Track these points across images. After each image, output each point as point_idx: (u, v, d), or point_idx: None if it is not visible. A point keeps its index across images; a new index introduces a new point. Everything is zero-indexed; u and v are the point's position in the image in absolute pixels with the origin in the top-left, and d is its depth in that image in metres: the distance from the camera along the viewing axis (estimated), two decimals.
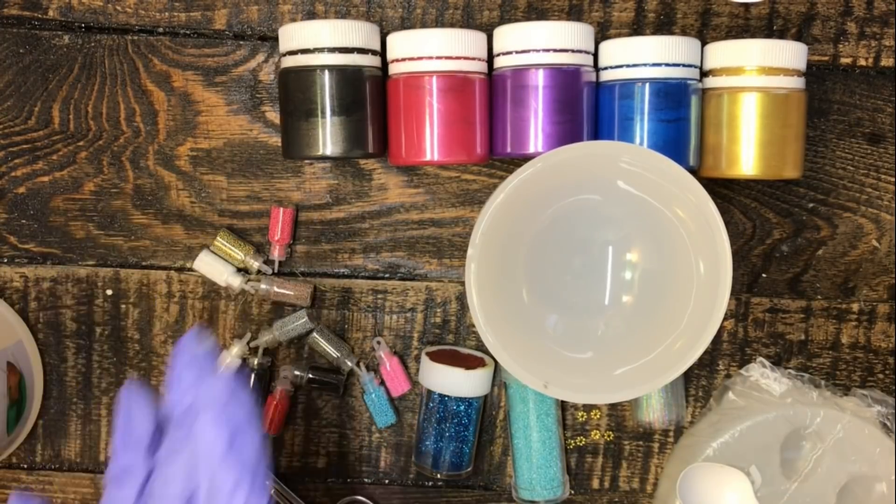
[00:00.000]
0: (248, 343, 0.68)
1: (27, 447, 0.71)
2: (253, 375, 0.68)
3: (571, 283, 0.64)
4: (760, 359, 0.68)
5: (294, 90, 0.60)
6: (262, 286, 0.67)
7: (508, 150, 0.61)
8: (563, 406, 0.70)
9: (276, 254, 0.67)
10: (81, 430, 0.71)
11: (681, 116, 0.60)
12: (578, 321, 0.64)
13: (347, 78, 0.59)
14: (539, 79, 0.59)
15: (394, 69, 0.61)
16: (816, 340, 0.69)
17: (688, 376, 0.70)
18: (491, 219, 0.58)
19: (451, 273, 0.69)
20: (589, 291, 0.64)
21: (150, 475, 0.48)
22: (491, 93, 0.61)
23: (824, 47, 0.66)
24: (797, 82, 0.61)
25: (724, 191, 0.68)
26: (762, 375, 0.67)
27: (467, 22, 0.65)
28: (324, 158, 0.63)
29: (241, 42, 0.66)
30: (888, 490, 0.64)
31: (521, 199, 0.59)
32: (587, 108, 0.61)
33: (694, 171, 0.61)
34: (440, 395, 0.66)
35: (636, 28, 0.66)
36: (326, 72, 0.59)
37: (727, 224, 0.59)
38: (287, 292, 0.68)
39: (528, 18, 0.65)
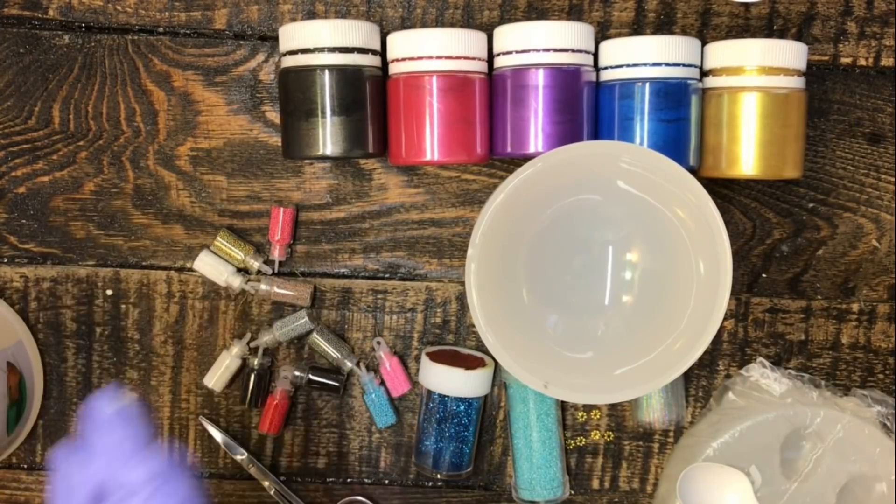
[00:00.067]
0: (248, 343, 0.68)
1: (27, 447, 0.71)
2: (253, 375, 0.68)
3: (571, 283, 0.64)
4: (760, 359, 0.68)
5: (294, 90, 0.60)
6: (262, 286, 0.67)
7: (508, 150, 0.61)
8: (563, 406, 0.70)
9: (276, 254, 0.67)
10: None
11: (681, 116, 0.60)
12: (578, 321, 0.64)
13: (347, 78, 0.59)
14: (539, 79, 0.59)
15: (394, 69, 0.61)
16: (816, 340, 0.69)
17: (688, 376, 0.70)
18: (491, 219, 0.58)
19: (451, 273, 0.69)
20: (589, 291, 0.64)
21: None
22: (491, 93, 0.61)
23: (824, 47, 0.66)
24: (797, 82, 0.61)
25: (724, 191, 0.68)
26: (762, 375, 0.67)
27: (467, 22, 0.65)
28: (324, 158, 0.63)
29: (241, 42, 0.66)
30: (888, 490, 0.64)
31: (521, 199, 0.59)
32: (587, 108, 0.61)
33: (694, 171, 0.61)
34: (440, 395, 0.66)
35: (636, 28, 0.66)
36: (326, 72, 0.59)
37: (727, 224, 0.59)
38: (287, 292, 0.67)
39: (528, 18, 0.65)
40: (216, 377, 0.68)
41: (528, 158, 0.58)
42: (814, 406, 0.64)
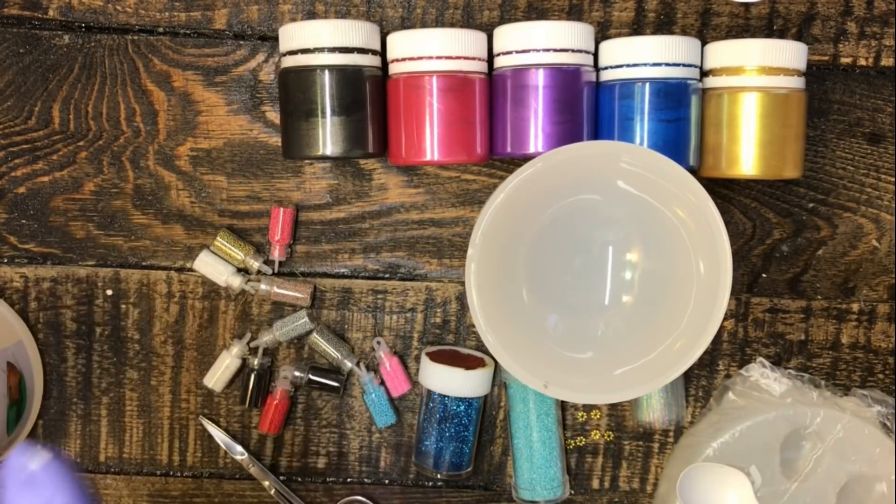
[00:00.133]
0: (248, 343, 0.68)
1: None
2: (253, 375, 0.68)
3: (571, 283, 0.64)
4: (760, 359, 0.68)
5: (294, 90, 0.60)
6: (262, 286, 0.67)
7: (508, 150, 0.61)
8: (563, 406, 0.70)
9: (276, 254, 0.67)
10: (81, 430, 0.71)
11: (681, 116, 0.60)
12: (578, 321, 0.64)
13: (347, 78, 0.59)
14: (539, 79, 0.59)
15: (394, 69, 0.61)
16: (816, 340, 0.69)
17: (688, 376, 0.70)
18: (491, 219, 0.58)
19: (451, 273, 0.69)
20: (589, 291, 0.64)
21: None
22: (491, 93, 0.61)
23: (824, 47, 0.66)
24: (797, 82, 0.61)
25: (724, 191, 0.68)
26: (762, 375, 0.67)
27: (467, 22, 0.65)
28: (324, 158, 0.63)
29: (241, 42, 0.66)
30: (888, 490, 0.64)
31: (521, 199, 0.59)
32: (587, 108, 0.61)
33: (694, 171, 0.61)
34: (440, 395, 0.66)
35: (636, 28, 0.66)
36: (326, 72, 0.59)
37: (727, 224, 0.59)
38: (287, 292, 0.67)
39: (528, 18, 0.65)
40: (216, 377, 0.68)
41: (528, 158, 0.58)
42: (814, 406, 0.64)
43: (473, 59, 0.60)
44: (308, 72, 0.59)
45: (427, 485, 0.71)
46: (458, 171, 0.67)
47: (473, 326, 0.67)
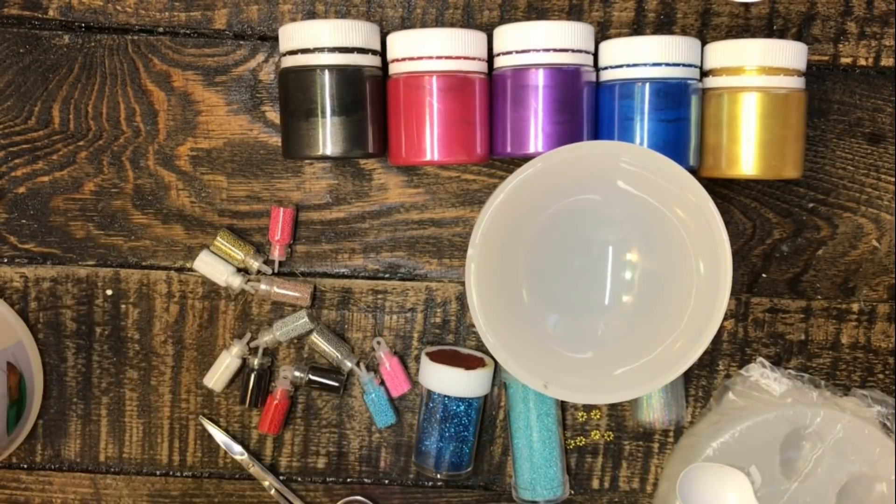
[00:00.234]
0: (248, 343, 0.68)
1: (27, 447, 0.71)
2: (253, 375, 0.68)
3: (571, 283, 0.64)
4: (760, 359, 0.68)
5: (294, 90, 0.60)
6: (262, 286, 0.67)
7: (508, 150, 0.61)
8: (563, 406, 0.70)
9: (276, 254, 0.67)
10: (81, 430, 0.71)
11: (681, 116, 0.60)
12: (578, 321, 0.64)
13: (347, 78, 0.59)
14: (539, 79, 0.59)
15: (394, 69, 0.61)
16: (816, 340, 0.69)
17: (688, 376, 0.70)
18: (491, 219, 0.58)
19: (451, 273, 0.69)
20: (589, 291, 0.64)
21: None
22: (491, 93, 0.61)
23: (824, 47, 0.66)
24: (797, 82, 0.61)
25: (724, 191, 0.68)
26: (762, 375, 0.67)
27: (467, 22, 0.65)
28: (324, 158, 0.63)
29: (241, 42, 0.66)
30: (888, 490, 0.64)
31: (521, 199, 0.59)
32: (587, 108, 0.61)
33: (694, 171, 0.61)
34: (440, 395, 0.66)
35: (636, 28, 0.66)
36: (326, 72, 0.59)
37: (727, 224, 0.59)
38: (287, 292, 0.68)
39: (528, 18, 0.65)
40: (216, 377, 0.68)
41: (528, 158, 0.58)
42: (814, 406, 0.64)
43: (473, 59, 0.60)
44: (308, 72, 0.59)
45: (427, 485, 0.71)
46: (458, 171, 0.67)
47: (473, 326, 0.67)
